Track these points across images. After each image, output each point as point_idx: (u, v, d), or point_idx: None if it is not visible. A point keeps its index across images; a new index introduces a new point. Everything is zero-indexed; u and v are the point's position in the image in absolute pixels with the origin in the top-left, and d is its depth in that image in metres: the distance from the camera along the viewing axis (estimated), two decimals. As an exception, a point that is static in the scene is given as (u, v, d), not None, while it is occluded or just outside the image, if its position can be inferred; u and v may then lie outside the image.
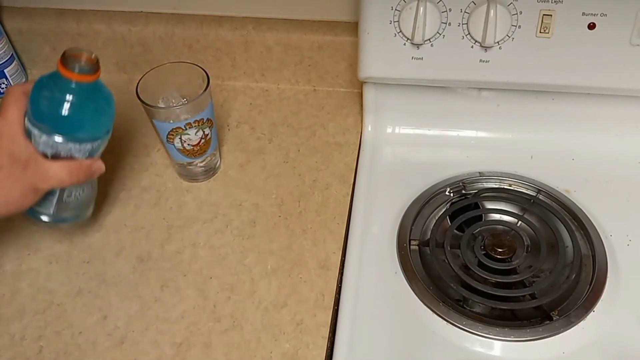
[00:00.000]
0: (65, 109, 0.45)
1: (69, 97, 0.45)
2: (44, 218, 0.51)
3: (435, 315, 0.50)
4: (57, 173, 0.47)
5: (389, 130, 0.68)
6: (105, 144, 0.51)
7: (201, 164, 0.62)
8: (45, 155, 0.47)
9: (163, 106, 0.59)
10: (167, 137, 0.58)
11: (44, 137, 0.46)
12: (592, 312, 0.50)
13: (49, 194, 0.49)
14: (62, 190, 0.50)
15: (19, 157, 0.45)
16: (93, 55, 0.46)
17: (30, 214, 0.51)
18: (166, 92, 0.60)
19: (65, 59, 0.45)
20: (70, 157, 0.48)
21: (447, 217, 0.59)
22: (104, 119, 0.49)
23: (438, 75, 0.61)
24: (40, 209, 0.50)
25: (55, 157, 0.47)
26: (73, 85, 0.45)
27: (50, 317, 0.52)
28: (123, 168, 0.66)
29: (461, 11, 0.56)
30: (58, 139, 0.46)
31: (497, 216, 0.60)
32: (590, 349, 0.48)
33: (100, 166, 0.51)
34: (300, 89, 0.76)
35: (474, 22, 0.55)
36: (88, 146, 0.48)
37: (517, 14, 0.55)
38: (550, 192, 0.60)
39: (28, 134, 0.46)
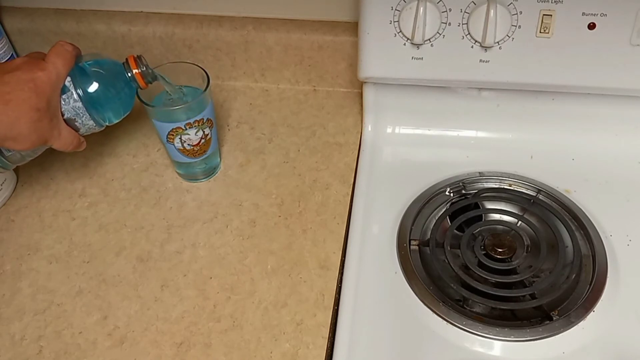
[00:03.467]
0: (112, 91, 0.53)
1: (120, 82, 0.53)
2: None
3: (435, 315, 0.50)
4: (66, 137, 0.52)
5: (389, 130, 0.68)
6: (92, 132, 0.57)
7: (201, 164, 0.62)
8: (61, 115, 0.51)
9: (163, 106, 0.59)
10: (167, 137, 0.58)
11: (78, 104, 0.52)
12: (592, 312, 0.50)
13: None
14: None
15: (52, 108, 0.49)
16: (152, 72, 0.55)
17: None
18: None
19: (139, 57, 0.54)
20: (75, 128, 0.53)
21: (447, 217, 0.59)
22: (117, 116, 0.56)
23: (438, 75, 0.61)
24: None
25: (67, 122, 0.52)
26: (129, 75, 0.54)
27: (50, 317, 0.52)
28: (123, 168, 0.66)
29: (461, 11, 0.56)
30: (87, 111, 0.52)
31: (497, 216, 0.60)
32: (590, 349, 0.48)
33: (84, 145, 0.56)
34: (300, 89, 0.76)
35: (474, 22, 0.55)
36: (95, 128, 0.55)
37: (517, 14, 0.55)
38: (550, 192, 0.60)
39: (62, 92, 0.51)
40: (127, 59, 0.54)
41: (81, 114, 0.52)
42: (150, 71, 0.55)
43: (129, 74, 0.54)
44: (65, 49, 0.51)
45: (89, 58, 0.54)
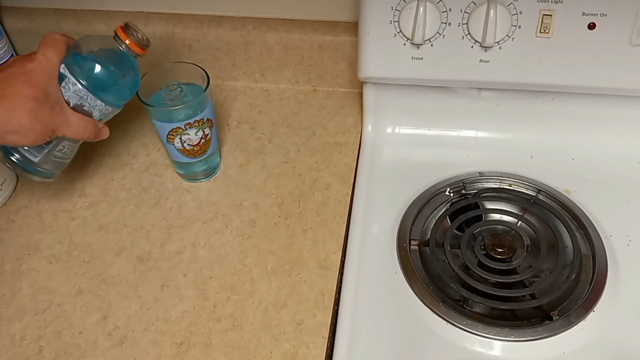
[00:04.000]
0: (109, 67, 0.51)
1: (116, 57, 0.52)
2: (21, 161, 0.51)
3: (435, 315, 0.50)
4: (76, 124, 0.51)
5: (389, 130, 0.68)
6: (113, 115, 0.55)
7: (201, 164, 0.62)
8: (67, 104, 0.50)
9: (163, 106, 0.59)
10: (167, 137, 0.58)
11: (77, 87, 0.50)
12: (592, 312, 0.50)
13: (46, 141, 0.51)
14: (58, 142, 0.52)
15: (50, 96, 0.48)
16: (146, 37, 0.53)
17: (6, 152, 0.51)
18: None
19: (126, 26, 0.52)
20: (87, 114, 0.52)
21: (447, 217, 0.59)
22: (130, 91, 0.54)
23: (438, 75, 0.61)
24: (26, 152, 0.51)
25: (75, 109, 0.51)
26: (123, 48, 0.52)
27: (50, 317, 0.52)
28: (123, 168, 0.66)
29: (461, 11, 0.56)
30: (90, 92, 0.51)
31: (497, 216, 0.60)
32: (590, 349, 0.48)
33: (106, 131, 0.55)
34: (300, 89, 0.76)
35: (474, 22, 0.55)
36: (107, 109, 0.53)
37: (517, 14, 0.55)
38: (550, 192, 0.60)
39: (60, 80, 0.50)
40: (115, 32, 0.52)
41: (85, 97, 0.51)
42: (142, 36, 0.52)
43: (123, 46, 0.52)
44: (54, 37, 0.50)
45: (81, 42, 0.52)
